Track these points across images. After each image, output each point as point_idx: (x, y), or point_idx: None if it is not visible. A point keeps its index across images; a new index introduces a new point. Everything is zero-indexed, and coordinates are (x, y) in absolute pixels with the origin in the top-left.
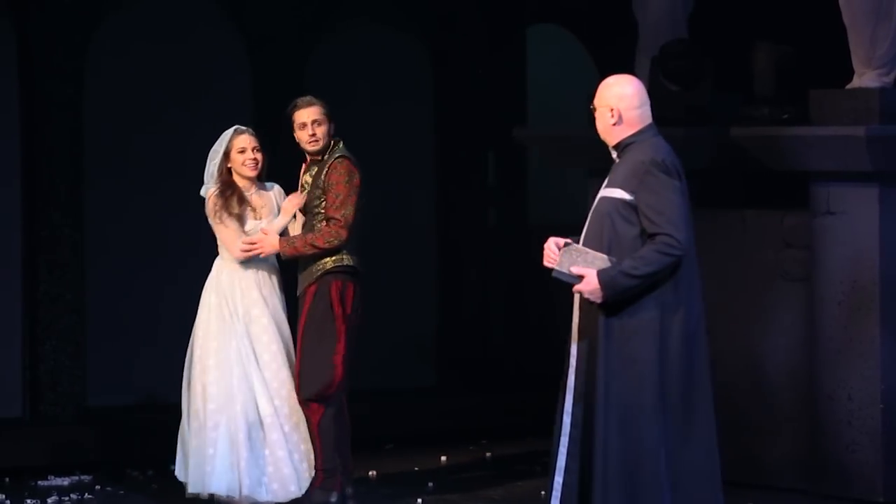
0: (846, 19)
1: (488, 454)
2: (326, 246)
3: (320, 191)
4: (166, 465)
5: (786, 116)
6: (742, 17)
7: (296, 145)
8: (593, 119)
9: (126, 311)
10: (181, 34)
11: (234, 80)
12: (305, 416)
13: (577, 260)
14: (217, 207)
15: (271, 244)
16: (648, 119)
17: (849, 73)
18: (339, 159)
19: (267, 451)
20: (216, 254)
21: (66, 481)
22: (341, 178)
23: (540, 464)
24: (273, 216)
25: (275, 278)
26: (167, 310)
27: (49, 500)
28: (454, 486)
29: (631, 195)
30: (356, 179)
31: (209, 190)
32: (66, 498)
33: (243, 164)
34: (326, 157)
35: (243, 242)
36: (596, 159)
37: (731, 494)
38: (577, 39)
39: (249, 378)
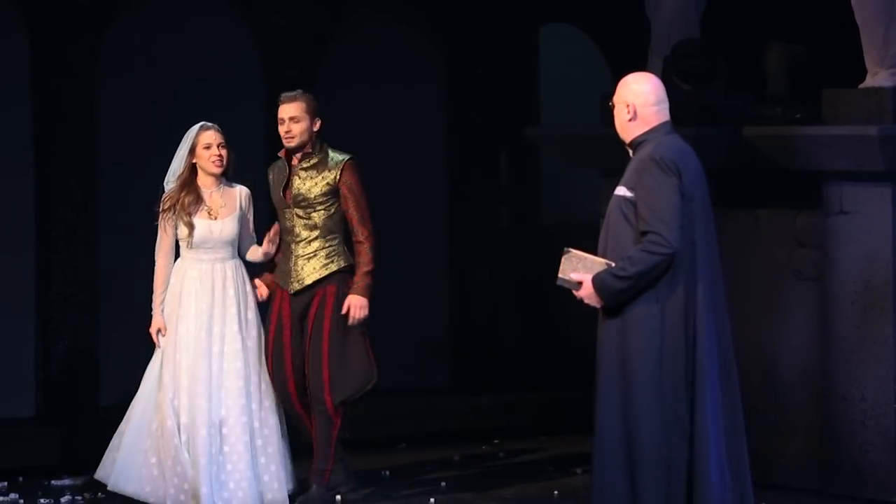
0: (859, 19)
1: (501, 453)
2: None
3: (329, 187)
4: None
5: (798, 116)
6: (754, 16)
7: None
8: (612, 116)
9: (139, 311)
10: (194, 32)
11: (247, 78)
12: (330, 418)
13: (578, 266)
14: (166, 206)
15: (360, 306)
16: (665, 117)
17: (861, 73)
18: (352, 162)
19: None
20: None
21: (78, 481)
22: (358, 181)
23: (553, 463)
24: (234, 216)
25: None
26: None
27: (62, 500)
28: (467, 485)
29: (632, 192)
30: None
31: (169, 187)
32: (79, 497)
33: (209, 160)
34: (320, 153)
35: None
36: (608, 159)
37: None
38: (590, 39)
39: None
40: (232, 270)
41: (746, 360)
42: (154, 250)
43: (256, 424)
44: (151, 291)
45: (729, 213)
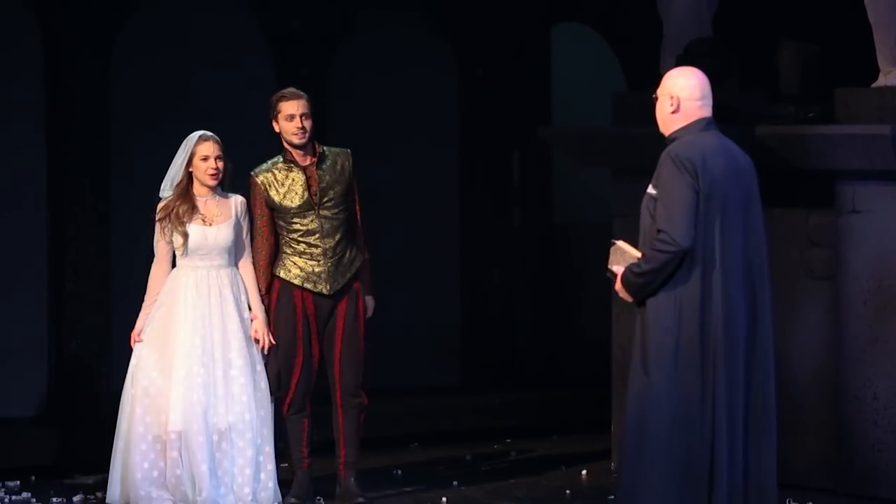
0: (871, 17)
1: (513, 452)
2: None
3: (347, 183)
4: None
5: (811, 115)
6: (767, 15)
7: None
8: (654, 110)
9: None
10: (205, 33)
11: (259, 80)
12: (362, 411)
13: (619, 259)
14: (161, 216)
15: (372, 308)
16: (706, 114)
17: (874, 72)
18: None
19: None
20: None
21: (90, 479)
22: (359, 179)
23: (564, 462)
24: (230, 223)
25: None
26: None
27: (75, 499)
28: (479, 484)
29: (655, 190)
30: None
31: (164, 195)
32: (92, 496)
33: (205, 172)
34: (325, 150)
35: None
36: (620, 158)
37: None
38: (602, 38)
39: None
40: (228, 277)
41: None
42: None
43: (250, 435)
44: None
45: None
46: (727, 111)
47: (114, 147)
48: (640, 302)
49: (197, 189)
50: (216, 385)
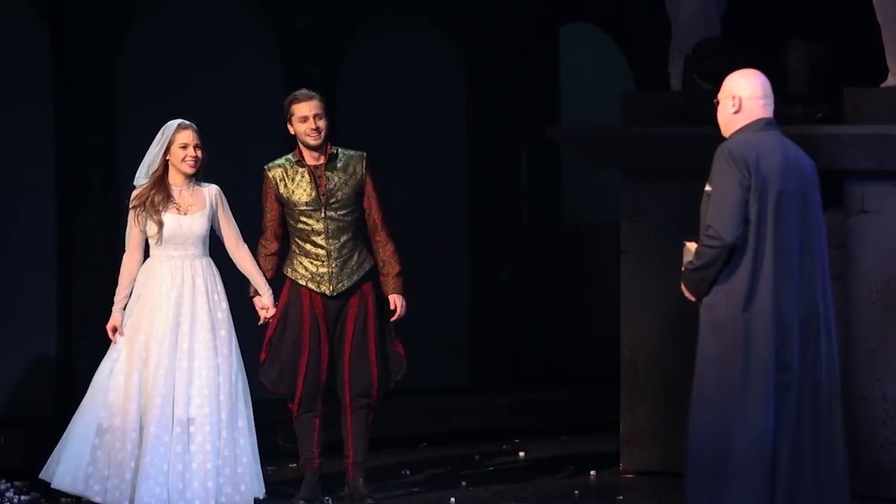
0: (880, 17)
1: (521, 453)
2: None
3: (358, 186)
4: None
5: (820, 115)
6: (775, 15)
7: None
8: (716, 113)
9: None
10: (214, 33)
11: (268, 77)
12: (370, 412)
13: (685, 259)
14: (135, 203)
15: (404, 304)
16: (766, 114)
17: (883, 72)
18: (368, 157)
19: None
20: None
21: None
22: (377, 181)
23: (573, 462)
24: (204, 213)
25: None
26: None
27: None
28: (487, 484)
29: (709, 186)
30: None
31: (139, 183)
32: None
33: (183, 160)
34: (338, 151)
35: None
36: (629, 158)
37: None
38: (611, 38)
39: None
40: (202, 268)
41: None
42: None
43: (224, 416)
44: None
45: None
46: None
47: (121, 145)
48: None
49: (172, 178)
50: (180, 376)
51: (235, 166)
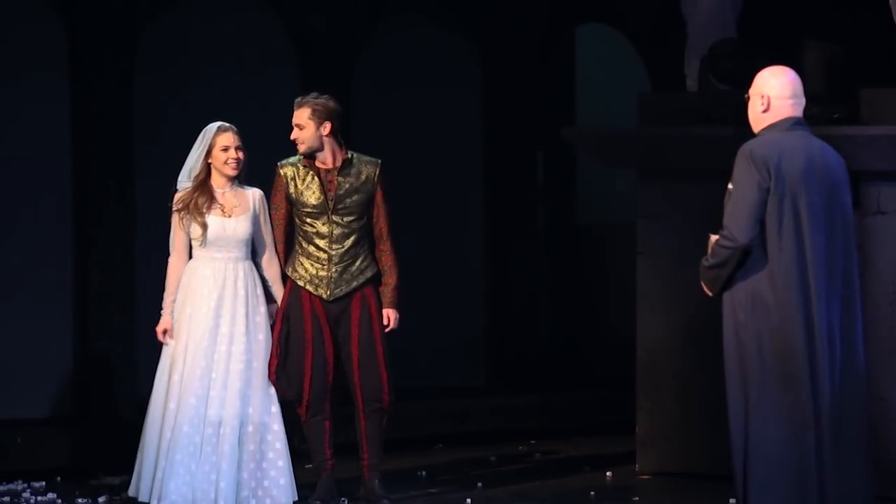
0: None
1: (537, 453)
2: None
3: (368, 192)
4: None
5: (836, 116)
6: (791, 16)
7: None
8: (746, 111)
9: None
10: (230, 33)
11: (284, 79)
12: (384, 415)
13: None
14: (179, 206)
15: (398, 318)
16: (797, 113)
17: None
18: (382, 166)
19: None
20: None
21: (116, 480)
22: (388, 190)
23: (589, 463)
24: (248, 216)
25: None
26: None
27: (100, 500)
28: (503, 485)
29: (731, 184)
30: None
31: (183, 185)
32: (117, 497)
33: (225, 162)
34: (350, 157)
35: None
36: (645, 158)
37: None
38: (627, 39)
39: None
40: (244, 271)
41: None
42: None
43: (257, 420)
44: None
45: None
46: None
47: (138, 148)
48: (719, 295)
49: (215, 180)
50: (216, 378)
51: (250, 167)
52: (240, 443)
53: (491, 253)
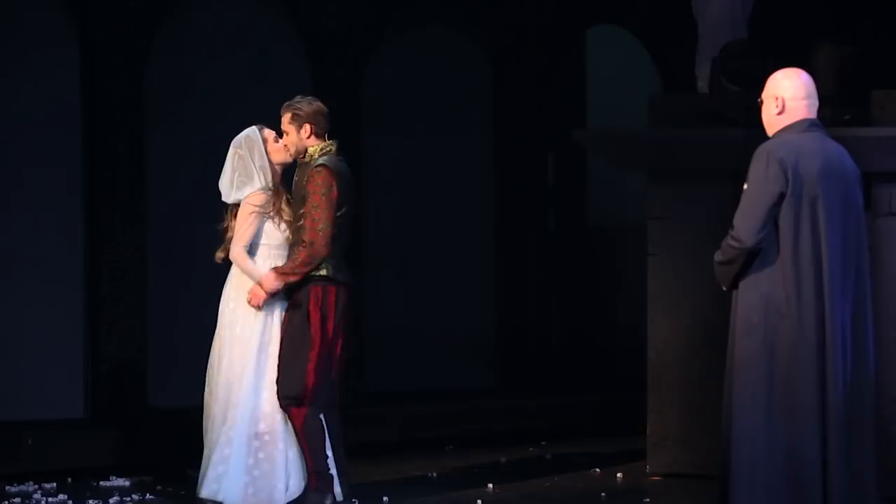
0: None
1: (548, 455)
2: (310, 269)
3: (300, 198)
4: None
5: (847, 117)
6: (802, 17)
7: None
8: (760, 114)
9: (187, 312)
10: (240, 36)
11: (295, 82)
12: (290, 420)
13: None
14: (267, 208)
15: (269, 283)
16: (811, 114)
17: None
18: (319, 169)
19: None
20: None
21: (127, 482)
22: (318, 188)
23: (600, 465)
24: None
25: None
26: None
27: (111, 501)
28: (514, 486)
29: (746, 183)
30: (334, 191)
31: (256, 188)
32: (128, 498)
33: (282, 149)
34: (309, 160)
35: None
36: (656, 160)
37: None
38: (638, 40)
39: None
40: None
41: None
42: (201, 251)
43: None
44: (200, 293)
45: None
46: None
47: (148, 149)
48: (730, 290)
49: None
50: (257, 385)
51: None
52: (278, 449)
53: (502, 254)
